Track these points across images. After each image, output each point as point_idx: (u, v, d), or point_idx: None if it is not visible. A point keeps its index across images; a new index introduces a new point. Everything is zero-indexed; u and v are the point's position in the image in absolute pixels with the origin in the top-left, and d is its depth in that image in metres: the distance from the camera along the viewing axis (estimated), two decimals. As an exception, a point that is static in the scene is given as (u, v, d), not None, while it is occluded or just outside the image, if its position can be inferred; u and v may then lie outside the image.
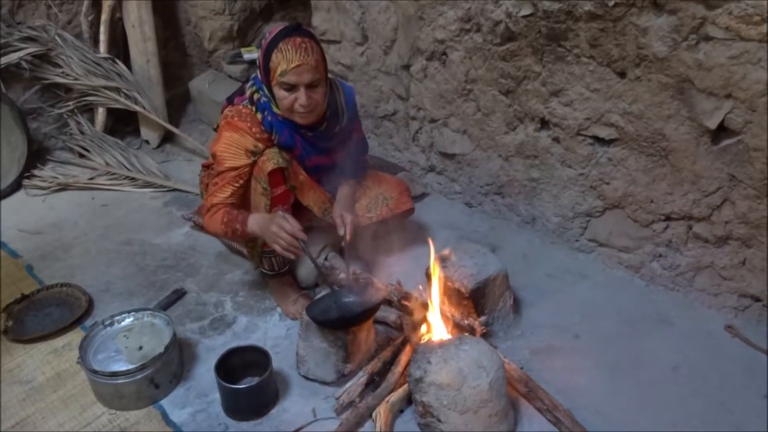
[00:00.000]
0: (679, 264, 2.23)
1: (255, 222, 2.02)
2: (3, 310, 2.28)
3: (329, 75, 2.13)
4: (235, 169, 2.06)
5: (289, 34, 1.96)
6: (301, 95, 1.96)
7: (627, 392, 1.89)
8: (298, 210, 2.21)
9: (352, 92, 2.27)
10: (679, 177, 2.09)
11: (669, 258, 2.25)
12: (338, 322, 1.92)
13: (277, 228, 1.92)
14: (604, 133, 2.22)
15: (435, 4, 2.52)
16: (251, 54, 3.59)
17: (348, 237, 2.09)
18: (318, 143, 2.17)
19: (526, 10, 2.20)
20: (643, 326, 2.15)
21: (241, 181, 2.08)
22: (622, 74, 2.09)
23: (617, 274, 2.40)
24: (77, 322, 2.25)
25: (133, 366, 1.87)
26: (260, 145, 2.06)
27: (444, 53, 2.60)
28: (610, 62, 2.10)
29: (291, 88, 1.97)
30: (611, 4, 1.98)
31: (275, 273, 2.24)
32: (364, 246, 2.36)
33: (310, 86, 1.97)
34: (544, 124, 2.41)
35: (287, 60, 1.92)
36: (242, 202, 2.12)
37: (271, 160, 2.04)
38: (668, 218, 2.20)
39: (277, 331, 2.20)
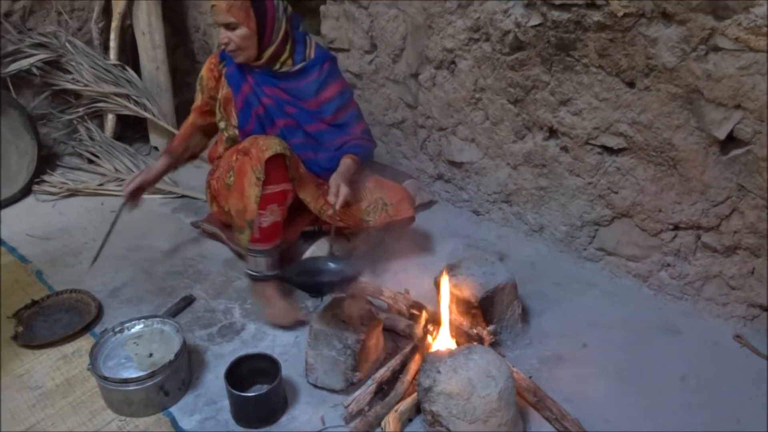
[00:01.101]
0: (687, 273, 2.23)
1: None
2: (13, 316, 2.29)
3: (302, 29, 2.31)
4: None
5: None
6: (221, 34, 2.17)
7: (635, 401, 1.89)
8: (298, 210, 2.25)
9: (326, 53, 2.34)
10: (688, 187, 2.09)
11: (677, 267, 2.25)
12: (309, 286, 2.01)
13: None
14: (612, 142, 2.23)
15: (444, 14, 2.53)
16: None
17: (338, 206, 2.08)
18: (266, 78, 2.28)
19: (535, 20, 2.21)
20: (650, 335, 2.15)
21: (196, 117, 2.45)
22: (630, 84, 2.10)
23: (625, 283, 2.40)
24: (87, 328, 2.26)
25: (144, 373, 1.88)
26: (205, 76, 2.37)
27: (452, 62, 2.61)
28: (618, 72, 2.10)
29: (219, 26, 2.19)
30: (620, 14, 1.98)
31: (262, 276, 2.22)
32: (368, 252, 2.38)
33: (228, 27, 2.14)
34: (552, 133, 2.42)
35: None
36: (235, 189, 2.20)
37: (270, 149, 2.06)
38: (677, 228, 2.20)
39: (286, 338, 2.20)
